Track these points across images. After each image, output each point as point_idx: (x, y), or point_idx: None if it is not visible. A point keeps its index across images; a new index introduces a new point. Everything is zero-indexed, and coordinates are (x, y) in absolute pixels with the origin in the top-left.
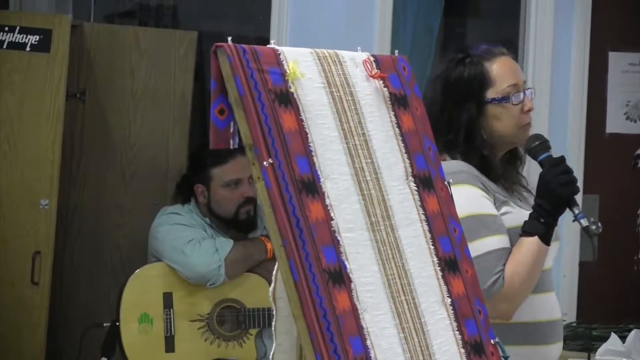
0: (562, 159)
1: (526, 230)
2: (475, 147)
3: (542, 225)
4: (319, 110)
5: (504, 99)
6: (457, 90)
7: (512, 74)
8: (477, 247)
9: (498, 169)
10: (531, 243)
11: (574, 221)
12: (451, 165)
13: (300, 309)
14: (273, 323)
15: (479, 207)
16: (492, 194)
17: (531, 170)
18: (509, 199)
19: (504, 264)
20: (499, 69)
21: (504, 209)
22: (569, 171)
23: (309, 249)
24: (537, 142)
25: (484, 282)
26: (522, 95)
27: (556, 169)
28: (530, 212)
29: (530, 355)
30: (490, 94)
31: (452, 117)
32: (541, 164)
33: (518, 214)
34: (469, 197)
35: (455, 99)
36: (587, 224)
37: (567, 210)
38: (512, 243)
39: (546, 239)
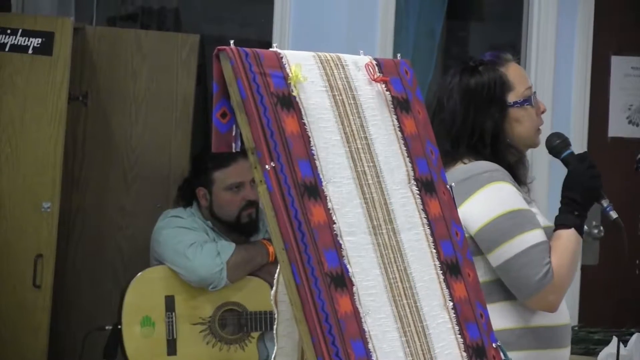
0: (586, 155)
1: (562, 223)
2: (501, 150)
3: (576, 218)
4: (321, 114)
5: (526, 101)
6: (478, 97)
7: (526, 78)
8: (524, 240)
9: (519, 172)
10: (570, 235)
11: (601, 212)
12: (484, 165)
13: (302, 313)
14: (275, 326)
15: (519, 203)
16: (521, 193)
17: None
18: (531, 201)
19: (550, 256)
20: (514, 73)
21: (532, 209)
22: (595, 165)
23: (311, 253)
24: (558, 141)
25: (535, 274)
26: (536, 98)
27: (584, 164)
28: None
29: (553, 359)
30: (512, 97)
31: (475, 124)
32: (565, 161)
33: (540, 215)
34: (510, 193)
35: (477, 105)
36: (617, 216)
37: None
38: None
39: (581, 231)
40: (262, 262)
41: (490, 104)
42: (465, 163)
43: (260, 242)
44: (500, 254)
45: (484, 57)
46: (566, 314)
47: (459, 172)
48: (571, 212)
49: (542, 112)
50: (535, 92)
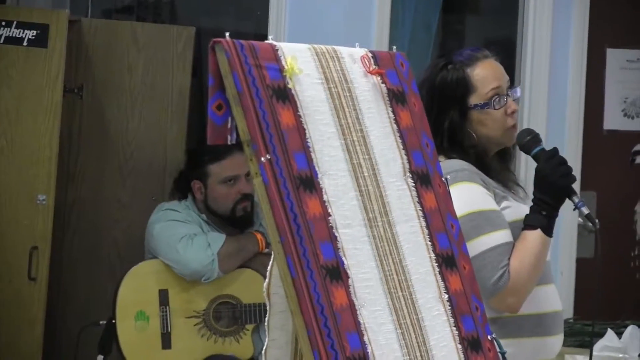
0: (555, 151)
1: (529, 223)
2: (464, 149)
3: (544, 218)
4: (316, 106)
5: (486, 104)
6: (440, 96)
7: (494, 78)
8: (482, 242)
9: (493, 166)
10: (535, 236)
11: (574, 209)
12: (452, 164)
13: (297, 305)
14: (266, 318)
15: (481, 203)
16: (492, 190)
17: (529, 165)
18: (508, 194)
19: (509, 258)
20: (480, 73)
21: (504, 204)
22: (564, 162)
23: (307, 245)
24: (528, 137)
25: (490, 277)
26: (505, 98)
27: (552, 162)
28: (529, 205)
29: (538, 347)
30: (473, 100)
31: (437, 122)
32: (535, 157)
33: (517, 208)
34: (472, 194)
35: (439, 104)
36: (589, 211)
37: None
38: (514, 237)
39: (549, 231)
40: (253, 251)
41: (450, 105)
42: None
43: (249, 232)
44: None
45: (457, 56)
46: (553, 301)
47: None
48: (539, 212)
49: (512, 113)
50: (514, 88)
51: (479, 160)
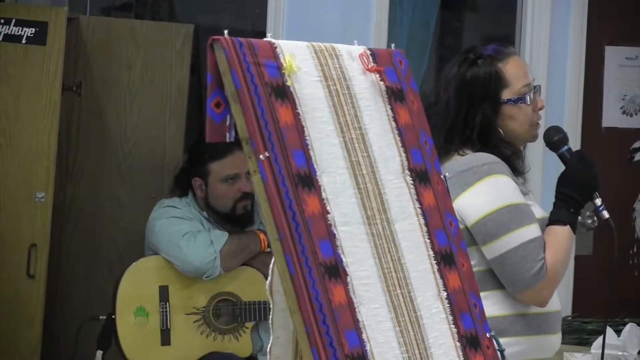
0: (585, 153)
1: (558, 219)
2: (492, 144)
3: (572, 214)
4: (315, 104)
5: (520, 99)
6: (472, 91)
7: (525, 74)
8: (522, 234)
9: (516, 164)
10: (565, 231)
11: (593, 212)
12: (484, 157)
13: (296, 303)
14: (270, 317)
15: (517, 197)
16: (518, 186)
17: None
18: (528, 192)
19: (544, 252)
20: (512, 69)
21: (527, 202)
22: (593, 164)
23: (305, 243)
24: (557, 136)
25: (529, 269)
26: (534, 95)
27: (584, 162)
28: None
29: (544, 345)
30: (506, 94)
31: (467, 117)
32: (562, 156)
33: (536, 206)
34: (509, 186)
35: (471, 99)
36: (608, 216)
37: None
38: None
39: (575, 228)
40: (255, 250)
41: (483, 99)
42: (461, 155)
43: (252, 231)
44: (497, 247)
45: (484, 50)
46: (557, 301)
47: (457, 163)
48: (567, 209)
49: (540, 109)
50: (538, 87)
51: (505, 157)
